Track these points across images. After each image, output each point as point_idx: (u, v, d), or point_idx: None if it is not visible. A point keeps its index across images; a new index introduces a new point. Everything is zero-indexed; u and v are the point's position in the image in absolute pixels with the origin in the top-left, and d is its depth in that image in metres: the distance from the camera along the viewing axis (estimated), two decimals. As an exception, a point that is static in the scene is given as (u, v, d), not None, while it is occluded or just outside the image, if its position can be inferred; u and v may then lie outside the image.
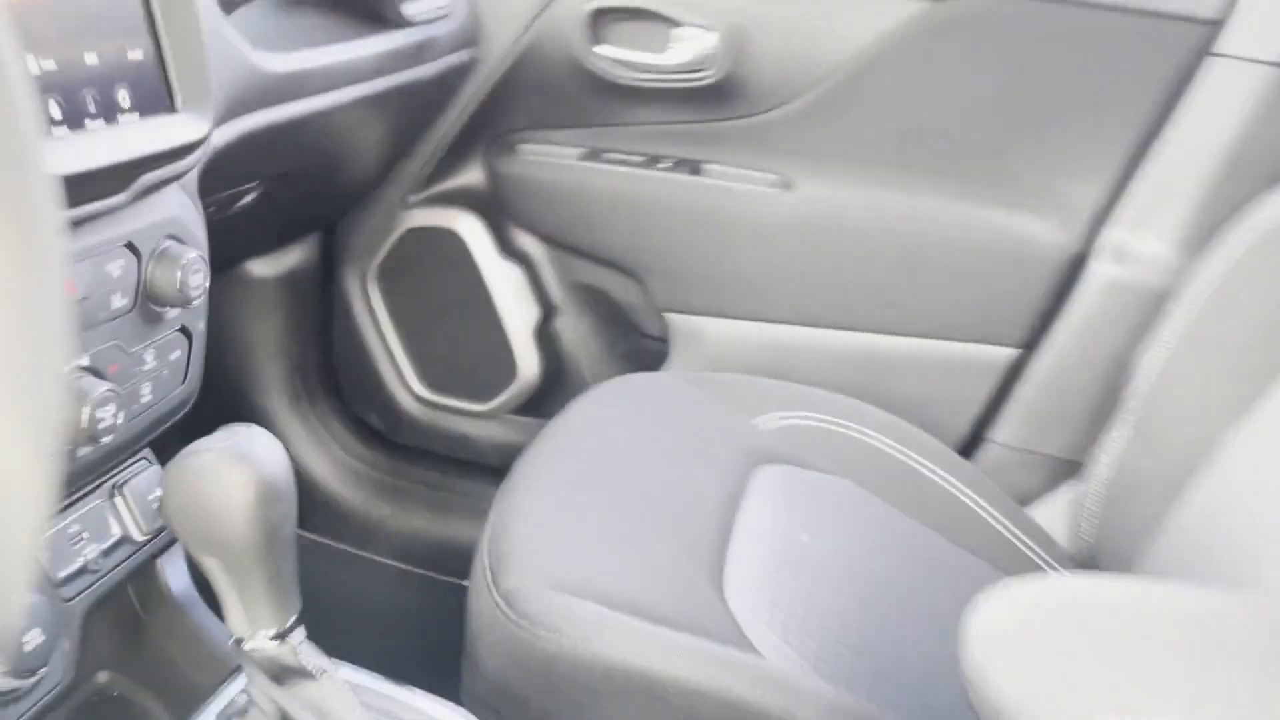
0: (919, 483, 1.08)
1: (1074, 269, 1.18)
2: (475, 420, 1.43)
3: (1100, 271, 1.16)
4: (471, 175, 1.35)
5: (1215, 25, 1.12)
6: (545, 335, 1.38)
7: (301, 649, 0.60)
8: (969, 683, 0.52)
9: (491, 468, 1.42)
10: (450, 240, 1.34)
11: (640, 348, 1.40)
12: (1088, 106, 1.18)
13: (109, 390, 0.64)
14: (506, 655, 0.73)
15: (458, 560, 0.94)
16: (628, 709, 0.69)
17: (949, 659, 0.66)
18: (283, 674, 0.60)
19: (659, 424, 1.01)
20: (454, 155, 1.33)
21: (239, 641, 0.60)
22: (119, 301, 0.67)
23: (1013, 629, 0.55)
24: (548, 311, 1.38)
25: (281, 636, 0.60)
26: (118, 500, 0.75)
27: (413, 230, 1.35)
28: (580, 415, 0.98)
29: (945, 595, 0.86)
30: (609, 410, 1.00)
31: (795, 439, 1.07)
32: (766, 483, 0.98)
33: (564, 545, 0.78)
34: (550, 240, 1.37)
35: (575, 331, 1.40)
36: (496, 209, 1.36)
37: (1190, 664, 0.51)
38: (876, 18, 1.17)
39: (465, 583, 0.80)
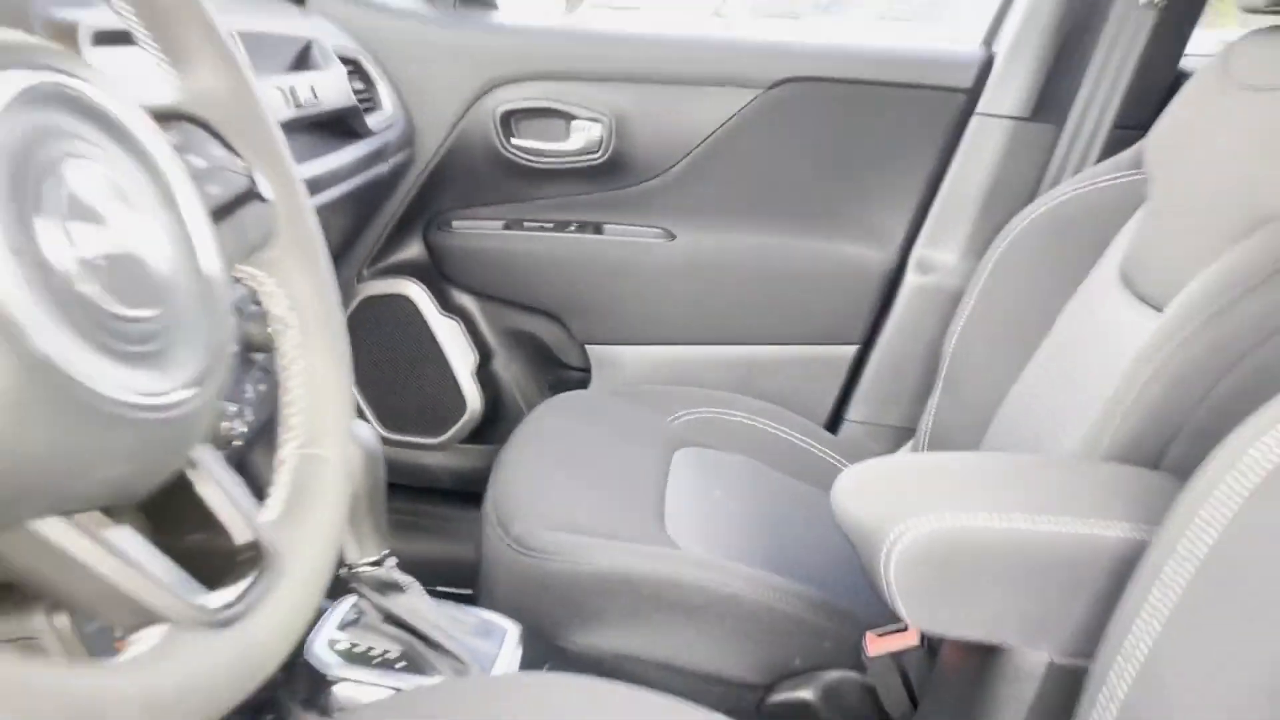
0: (794, 452, 1.41)
1: (893, 280, 1.55)
2: (430, 452, 1.70)
3: (911, 280, 1.53)
4: (414, 249, 1.64)
5: (974, 93, 1.52)
6: (485, 375, 1.67)
7: (393, 570, 0.88)
8: (836, 515, 0.84)
9: (446, 491, 1.70)
10: (400, 303, 1.62)
11: (563, 378, 1.70)
12: (890, 158, 1.56)
13: (235, 409, 0.90)
14: (519, 581, 1.02)
15: (425, 570, 1.13)
16: (610, 601, 0.99)
17: (830, 545, 0.98)
18: (382, 587, 0.88)
19: (599, 424, 1.31)
20: (399, 234, 1.62)
21: (351, 568, 0.87)
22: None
23: (864, 479, 0.87)
24: (485, 355, 1.67)
25: (379, 563, 0.88)
26: None
27: (368, 298, 1.63)
28: (541, 421, 1.28)
29: (819, 518, 1.19)
30: (561, 416, 1.31)
31: (699, 428, 1.39)
32: (683, 461, 1.29)
33: (550, 502, 1.08)
34: (483, 296, 1.67)
35: (509, 370, 1.70)
36: (437, 274, 1.65)
37: (980, 487, 0.84)
38: (725, 104, 1.53)
39: (433, 587, 1.03)
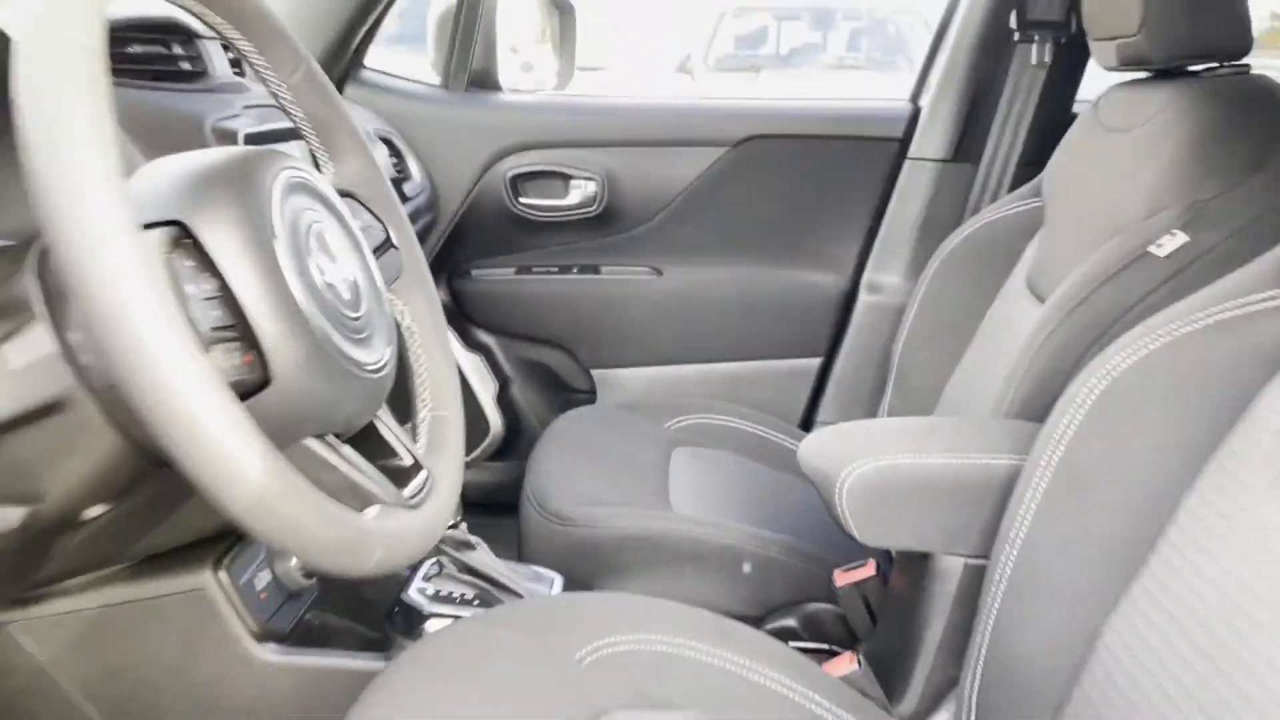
0: (771, 447, 1.68)
1: (847, 300, 1.84)
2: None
3: (863, 299, 1.82)
4: (440, 295, 1.91)
5: (905, 141, 1.82)
6: (504, 400, 1.93)
7: (466, 532, 1.14)
8: (802, 466, 1.11)
9: (474, 503, 1.95)
10: (429, 343, 1.89)
11: (572, 400, 1.97)
12: (839, 198, 1.85)
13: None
14: (557, 547, 1.28)
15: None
16: (629, 556, 1.25)
17: (803, 508, 1.25)
18: (458, 545, 1.14)
19: (609, 430, 1.58)
20: (426, 283, 1.89)
21: (434, 532, 1.13)
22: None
23: (822, 439, 1.14)
24: (504, 383, 1.94)
25: (455, 526, 1.14)
26: None
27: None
28: (562, 429, 1.55)
29: (794, 492, 1.46)
30: (578, 424, 1.57)
31: (692, 432, 1.66)
32: (680, 457, 1.56)
33: (576, 484, 1.35)
34: (500, 332, 1.94)
35: (525, 395, 1.96)
36: (460, 316, 1.92)
37: (908, 437, 1.11)
38: (698, 161, 1.82)
39: None
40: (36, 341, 0.63)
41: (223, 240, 0.60)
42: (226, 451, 0.52)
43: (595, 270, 1.89)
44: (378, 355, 0.70)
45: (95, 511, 0.71)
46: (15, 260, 0.63)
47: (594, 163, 1.83)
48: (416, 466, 0.74)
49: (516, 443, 1.94)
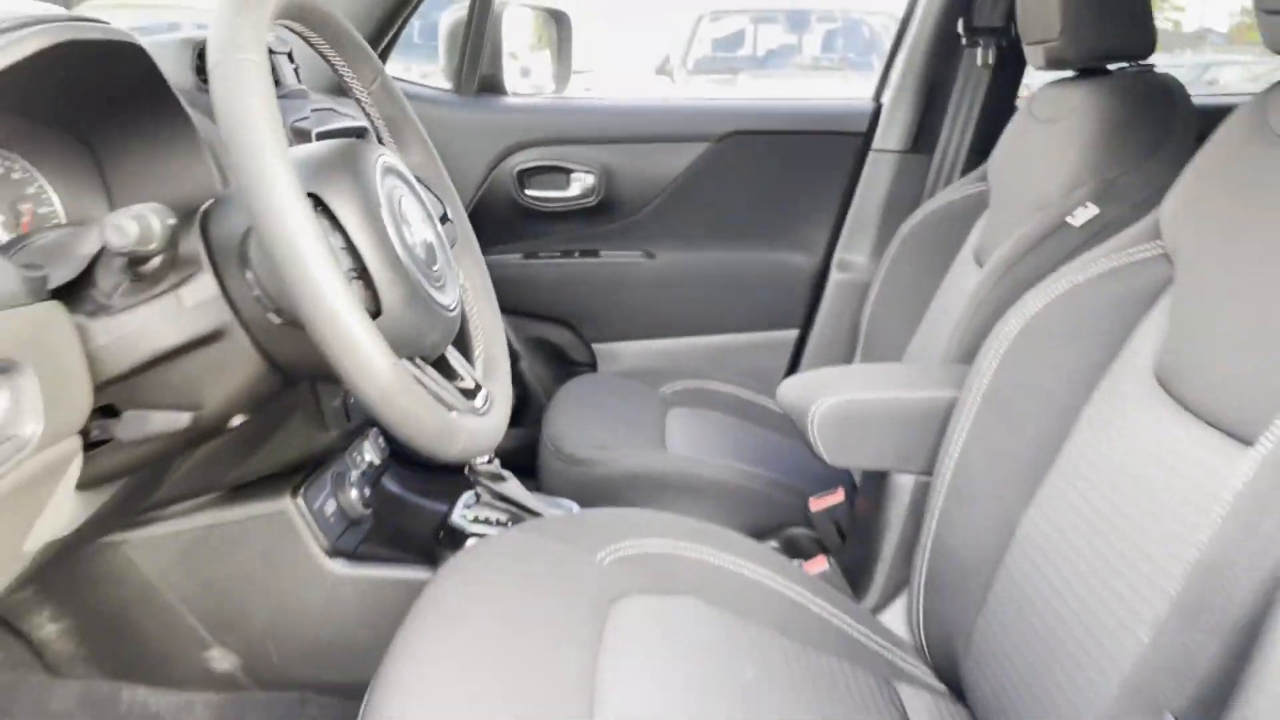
0: (755, 407, 1.90)
1: (821, 277, 2.06)
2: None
3: (834, 277, 2.04)
4: (454, 279, 2.12)
5: (869, 135, 2.04)
6: (514, 374, 2.13)
7: (498, 468, 1.36)
8: (780, 404, 1.32)
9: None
10: (446, 322, 2.10)
11: (575, 372, 2.18)
12: (811, 186, 2.07)
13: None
14: (572, 485, 1.49)
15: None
16: (634, 491, 1.47)
17: (783, 451, 1.47)
18: (492, 478, 1.35)
19: (612, 393, 1.80)
20: (442, 268, 2.10)
21: (471, 468, 1.34)
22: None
23: (797, 381, 1.35)
24: (514, 358, 2.15)
25: (490, 462, 1.35)
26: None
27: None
28: (571, 390, 1.77)
29: (774, 439, 1.68)
30: (585, 387, 1.79)
31: (684, 395, 1.88)
32: (675, 416, 1.78)
33: (586, 431, 1.56)
34: (509, 312, 2.14)
35: (533, 370, 2.17)
36: (472, 298, 2.13)
37: (867, 377, 1.33)
38: (686, 154, 2.04)
39: None
40: (203, 286, 0.84)
41: (346, 207, 0.81)
42: (367, 354, 0.73)
43: (594, 254, 2.10)
44: (451, 299, 0.92)
45: (237, 421, 0.92)
46: (186, 226, 0.84)
47: (592, 158, 2.04)
48: (478, 387, 0.96)
49: (526, 411, 2.15)
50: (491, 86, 2.08)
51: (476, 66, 2.04)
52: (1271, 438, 0.73)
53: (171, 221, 0.80)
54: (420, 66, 3.40)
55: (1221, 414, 0.83)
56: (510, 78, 2.11)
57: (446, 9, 2.09)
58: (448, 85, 2.08)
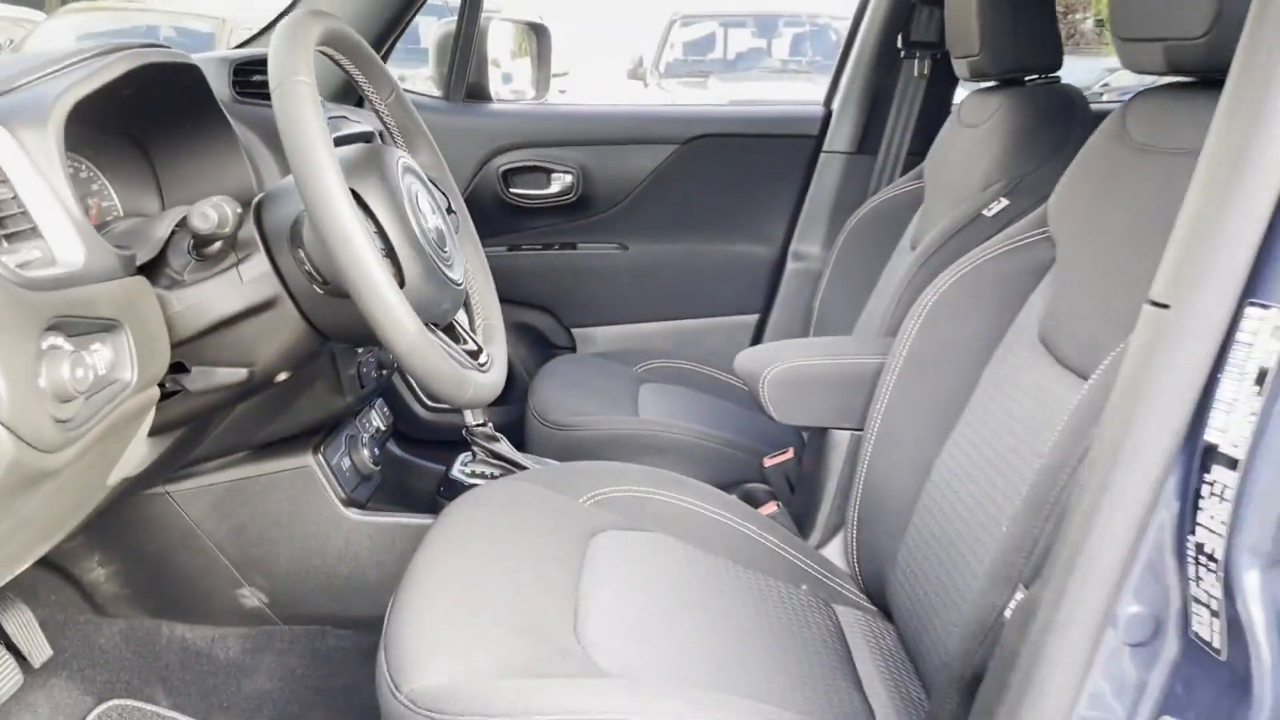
0: (718, 383, 2.10)
1: (778, 267, 2.27)
2: (460, 414, 2.36)
3: (790, 266, 2.25)
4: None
5: (820, 137, 2.26)
6: (499, 356, 2.33)
7: (490, 428, 1.55)
8: (737, 371, 1.53)
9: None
10: (437, 309, 2.29)
11: (555, 354, 2.37)
12: (770, 184, 2.28)
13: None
14: (554, 448, 1.69)
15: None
16: (609, 452, 1.67)
17: (741, 419, 1.68)
18: (486, 438, 1.55)
19: (590, 371, 2.00)
20: (433, 260, 2.29)
21: (468, 429, 1.54)
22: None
23: (750, 353, 1.55)
24: (499, 342, 2.34)
25: (484, 424, 1.55)
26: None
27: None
28: (554, 367, 1.97)
29: (735, 408, 1.89)
30: (565, 365, 2.00)
31: (655, 372, 2.08)
32: (646, 392, 1.98)
33: (567, 401, 1.76)
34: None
35: (516, 352, 2.37)
36: (461, 287, 2.33)
37: (809, 348, 1.54)
38: (656, 155, 2.25)
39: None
40: (258, 264, 1.03)
41: (377, 200, 1.01)
42: (400, 315, 0.93)
43: (573, 246, 2.30)
44: (459, 275, 1.11)
45: (282, 376, 1.11)
46: (244, 213, 1.04)
47: (571, 159, 2.24)
48: (480, 350, 1.16)
49: (511, 390, 2.34)
50: (478, 94, 2.27)
51: (464, 76, 2.23)
52: (1100, 371, 0.94)
53: (239, 210, 1.00)
54: (396, 69, 3.60)
55: (1074, 358, 1.05)
56: (494, 83, 2.31)
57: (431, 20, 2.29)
58: (437, 92, 2.27)
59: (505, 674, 0.95)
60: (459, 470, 1.54)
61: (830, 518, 1.50)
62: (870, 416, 1.38)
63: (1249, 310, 0.64)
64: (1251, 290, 0.64)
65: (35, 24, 7.74)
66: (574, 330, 2.32)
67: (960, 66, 1.77)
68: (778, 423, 1.51)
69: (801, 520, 1.54)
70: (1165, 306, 0.67)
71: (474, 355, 1.14)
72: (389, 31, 1.94)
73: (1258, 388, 0.62)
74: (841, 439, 1.49)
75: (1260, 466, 0.62)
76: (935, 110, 2.15)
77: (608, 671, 1.00)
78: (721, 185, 2.28)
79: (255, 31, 1.90)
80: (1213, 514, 0.64)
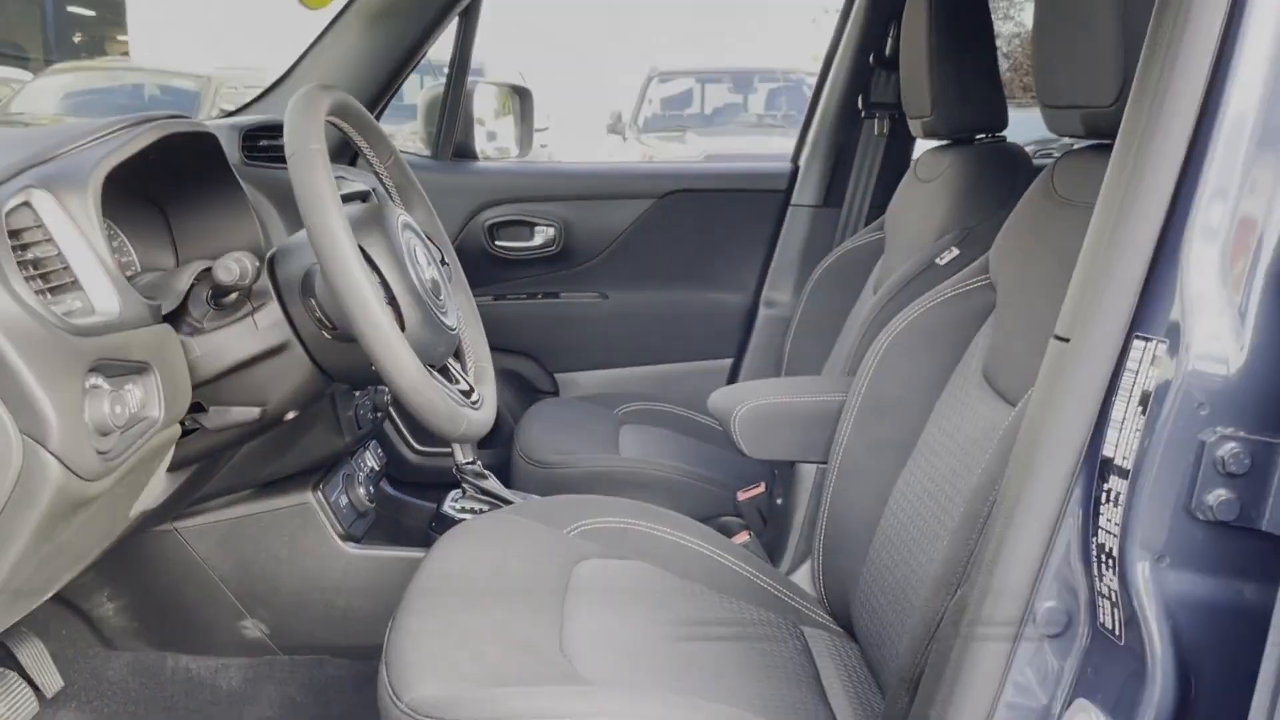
0: (694, 425, 2.21)
1: (751, 314, 2.39)
2: (449, 458, 2.45)
3: (762, 313, 2.38)
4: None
5: (789, 192, 2.39)
6: (485, 401, 2.43)
7: (479, 466, 1.65)
8: (711, 410, 1.64)
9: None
10: (425, 357, 2.40)
11: (539, 399, 2.48)
12: (742, 236, 2.41)
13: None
14: (539, 486, 1.79)
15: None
16: (590, 489, 1.77)
17: (716, 458, 1.78)
18: (475, 475, 1.65)
19: (573, 411, 2.11)
20: (422, 310, 2.40)
21: (459, 467, 1.64)
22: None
23: (722, 392, 1.67)
24: (485, 388, 2.44)
25: (472, 463, 1.65)
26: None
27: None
28: (538, 410, 2.08)
29: (711, 448, 1.99)
30: (550, 408, 2.10)
31: (634, 414, 2.19)
32: (626, 432, 2.08)
33: (551, 441, 1.86)
34: (481, 348, 2.45)
35: (502, 397, 2.44)
36: (449, 336, 2.43)
37: (777, 387, 1.65)
38: (633, 210, 2.37)
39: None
40: (272, 312, 1.14)
41: (380, 253, 1.12)
42: (401, 357, 1.03)
43: (555, 296, 2.41)
44: (454, 321, 1.22)
45: (291, 415, 1.21)
46: (260, 265, 1.14)
47: (553, 213, 2.36)
48: (472, 389, 1.26)
49: (497, 433, 2.44)
50: (464, 152, 2.39)
51: (451, 136, 2.35)
52: (1026, 398, 1.06)
53: (257, 265, 1.11)
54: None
55: (1008, 389, 1.17)
56: (479, 140, 2.43)
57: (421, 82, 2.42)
58: (426, 151, 2.39)
59: (498, 683, 1.04)
60: (450, 506, 1.64)
61: (799, 546, 1.60)
62: (833, 451, 1.49)
63: (1135, 342, 0.75)
64: (1137, 324, 0.75)
65: (23, 84, 7.88)
66: (557, 375, 2.43)
67: (915, 126, 1.91)
68: (750, 460, 1.62)
69: (772, 549, 1.64)
70: (1066, 340, 0.79)
71: (467, 394, 1.25)
72: (383, 94, 2.07)
73: (1142, 408, 0.73)
74: (808, 473, 1.60)
75: (1145, 474, 0.73)
76: (895, 166, 2.29)
77: (592, 681, 1.09)
78: (696, 237, 2.40)
79: (255, 95, 2.02)
80: (1109, 517, 0.75)
